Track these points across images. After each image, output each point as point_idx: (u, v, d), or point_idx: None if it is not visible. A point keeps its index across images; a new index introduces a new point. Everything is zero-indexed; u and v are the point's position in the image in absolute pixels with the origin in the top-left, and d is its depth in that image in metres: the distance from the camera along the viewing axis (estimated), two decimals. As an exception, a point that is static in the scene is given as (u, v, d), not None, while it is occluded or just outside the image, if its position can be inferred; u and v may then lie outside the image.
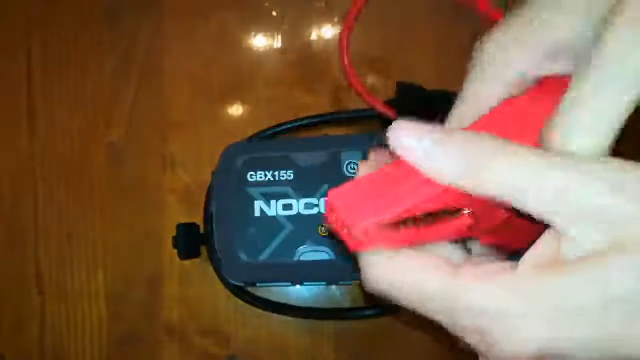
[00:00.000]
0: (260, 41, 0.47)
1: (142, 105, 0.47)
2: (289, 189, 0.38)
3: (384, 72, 0.46)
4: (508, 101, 0.18)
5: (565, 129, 0.15)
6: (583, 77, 0.15)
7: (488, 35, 0.18)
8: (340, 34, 0.45)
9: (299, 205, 0.38)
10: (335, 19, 0.47)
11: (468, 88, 0.19)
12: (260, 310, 0.43)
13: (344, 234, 0.17)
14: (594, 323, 0.14)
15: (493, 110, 0.18)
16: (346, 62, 0.44)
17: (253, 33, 0.47)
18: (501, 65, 0.18)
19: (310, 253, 0.37)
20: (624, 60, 0.15)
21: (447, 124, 0.20)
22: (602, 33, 0.15)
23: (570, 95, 0.15)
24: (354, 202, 0.17)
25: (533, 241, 0.16)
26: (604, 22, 0.15)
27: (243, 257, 0.38)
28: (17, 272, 0.46)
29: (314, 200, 0.38)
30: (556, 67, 0.18)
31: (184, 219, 0.43)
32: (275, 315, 0.43)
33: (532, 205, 0.15)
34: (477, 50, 0.19)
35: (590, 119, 0.15)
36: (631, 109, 0.15)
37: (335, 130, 0.44)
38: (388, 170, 0.18)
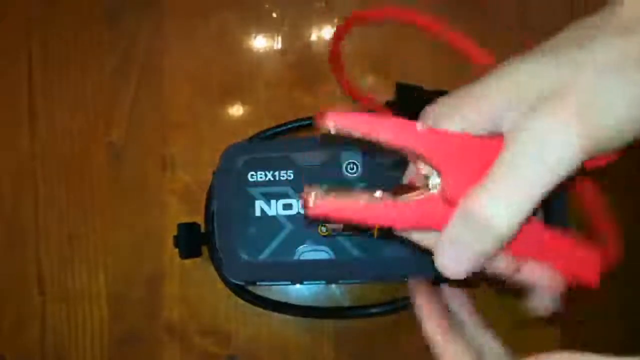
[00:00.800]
0: (260, 42, 0.47)
1: (142, 105, 0.47)
2: (289, 189, 0.38)
3: (383, 72, 0.46)
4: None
5: (485, 200, 0.18)
6: (502, 160, 0.18)
7: (437, 100, 0.21)
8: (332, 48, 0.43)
9: (299, 205, 0.38)
10: (336, 20, 0.47)
11: None
12: (260, 310, 0.43)
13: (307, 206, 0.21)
14: None
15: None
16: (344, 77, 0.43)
17: (253, 34, 0.47)
18: (444, 122, 0.20)
19: (310, 252, 0.37)
20: (537, 158, 0.18)
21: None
22: (519, 131, 0.18)
23: (492, 172, 0.18)
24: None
25: None
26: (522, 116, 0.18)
27: (244, 256, 0.38)
28: (18, 273, 0.46)
29: (314, 200, 0.38)
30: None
31: (184, 219, 0.43)
32: (275, 314, 0.43)
33: None
34: (425, 111, 0.21)
35: (505, 198, 0.18)
36: (543, 196, 0.18)
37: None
38: None
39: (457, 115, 0.20)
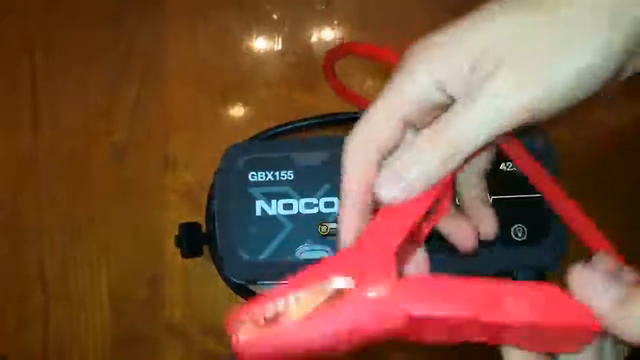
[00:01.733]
0: (261, 43, 0.48)
1: (144, 105, 0.47)
2: (289, 189, 0.38)
3: (383, 74, 0.46)
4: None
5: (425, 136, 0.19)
6: (455, 108, 0.19)
7: (416, 43, 0.21)
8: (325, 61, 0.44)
9: (299, 205, 0.38)
10: (336, 22, 0.47)
11: (385, 93, 0.21)
12: (261, 309, 0.43)
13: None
14: None
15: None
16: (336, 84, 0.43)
17: (254, 35, 0.48)
18: (419, 69, 0.21)
19: (310, 252, 0.38)
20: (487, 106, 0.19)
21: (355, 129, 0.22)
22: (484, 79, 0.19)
23: (443, 118, 0.19)
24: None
25: None
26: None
27: (244, 255, 0.38)
28: (21, 272, 0.46)
29: (314, 200, 0.38)
30: (442, 96, 0.21)
31: (186, 219, 0.43)
32: (276, 313, 0.43)
33: None
34: (404, 55, 0.21)
35: (441, 141, 0.19)
36: (484, 144, 0.19)
37: (335, 131, 0.45)
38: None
39: (426, 66, 0.20)
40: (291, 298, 0.18)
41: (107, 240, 0.46)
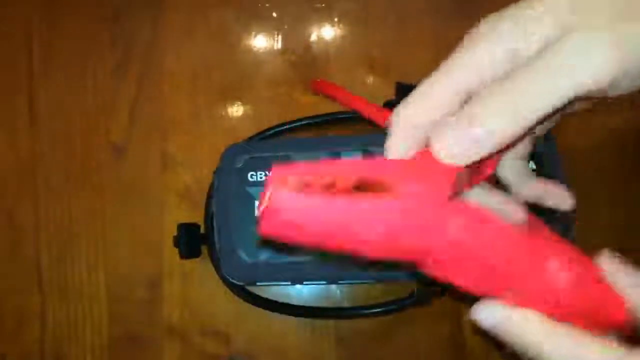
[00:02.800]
0: (260, 42, 0.47)
1: (142, 104, 0.47)
2: (289, 189, 0.38)
3: (384, 72, 0.46)
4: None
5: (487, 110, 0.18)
6: (521, 72, 0.18)
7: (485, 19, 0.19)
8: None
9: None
10: (335, 20, 0.47)
11: (451, 64, 0.19)
12: (260, 310, 0.43)
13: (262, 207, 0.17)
14: None
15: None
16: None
17: (253, 34, 0.47)
18: (492, 39, 0.19)
19: (309, 252, 0.38)
20: (557, 74, 0.17)
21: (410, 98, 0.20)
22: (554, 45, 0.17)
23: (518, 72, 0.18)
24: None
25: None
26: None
27: (243, 256, 0.38)
28: (19, 272, 0.46)
29: (314, 200, 0.38)
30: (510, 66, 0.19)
31: (184, 219, 0.43)
32: (276, 314, 0.43)
33: None
34: (473, 28, 0.19)
35: (508, 108, 0.17)
36: (546, 112, 0.17)
37: (335, 130, 0.44)
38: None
39: (495, 35, 0.19)
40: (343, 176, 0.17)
41: (105, 240, 0.46)
